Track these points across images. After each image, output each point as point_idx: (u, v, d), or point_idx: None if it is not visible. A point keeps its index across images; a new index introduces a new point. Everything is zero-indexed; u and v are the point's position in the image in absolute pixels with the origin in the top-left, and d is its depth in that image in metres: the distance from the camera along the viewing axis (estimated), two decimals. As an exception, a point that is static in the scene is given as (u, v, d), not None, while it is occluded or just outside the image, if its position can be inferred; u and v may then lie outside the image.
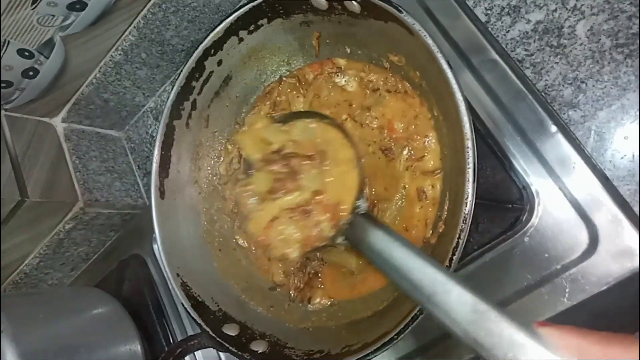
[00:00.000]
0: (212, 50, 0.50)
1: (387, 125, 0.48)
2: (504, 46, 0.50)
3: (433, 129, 0.46)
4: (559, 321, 0.43)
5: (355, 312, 0.47)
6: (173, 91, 0.50)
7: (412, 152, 0.47)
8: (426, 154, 0.46)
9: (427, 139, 0.46)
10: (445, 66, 0.37)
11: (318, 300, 0.49)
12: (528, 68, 0.49)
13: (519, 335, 0.25)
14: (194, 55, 0.49)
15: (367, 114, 0.49)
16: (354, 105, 0.51)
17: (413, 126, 0.47)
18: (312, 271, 0.50)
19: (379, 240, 0.36)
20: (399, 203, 0.46)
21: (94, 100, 0.69)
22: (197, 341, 0.45)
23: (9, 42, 0.54)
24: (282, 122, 0.44)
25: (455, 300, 0.28)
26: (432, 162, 0.46)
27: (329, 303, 0.49)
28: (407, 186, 0.46)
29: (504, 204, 0.47)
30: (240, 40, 0.51)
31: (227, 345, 0.44)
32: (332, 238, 0.40)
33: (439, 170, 0.45)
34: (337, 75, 0.52)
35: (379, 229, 0.36)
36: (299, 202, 0.40)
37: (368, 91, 0.50)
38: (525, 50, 0.49)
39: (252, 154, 0.43)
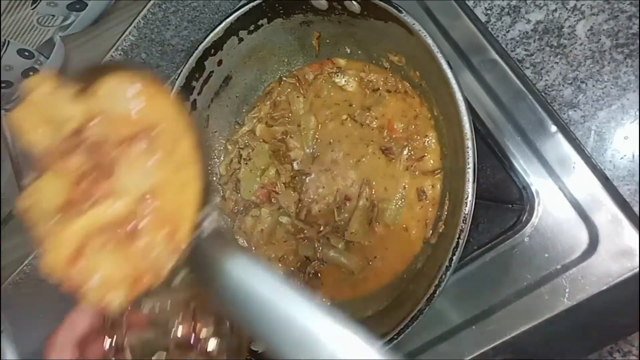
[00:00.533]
0: (212, 50, 0.50)
1: (387, 125, 0.48)
2: (504, 46, 0.50)
3: (433, 128, 0.46)
4: (560, 320, 0.43)
5: (355, 312, 0.47)
6: (173, 91, 0.50)
7: (412, 152, 0.47)
8: (426, 154, 0.46)
9: (427, 139, 0.46)
10: (445, 66, 0.37)
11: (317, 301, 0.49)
12: (528, 68, 0.49)
13: None
14: (194, 55, 0.49)
15: (367, 113, 0.49)
16: (354, 105, 0.51)
17: (413, 126, 0.47)
18: (312, 272, 0.50)
19: (241, 267, 0.25)
20: (398, 203, 0.47)
21: (94, 100, 0.69)
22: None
23: (9, 42, 0.54)
24: (81, 84, 0.28)
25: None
26: (432, 162, 0.46)
27: (328, 304, 0.49)
28: (406, 186, 0.47)
29: (504, 204, 0.47)
30: (240, 40, 0.51)
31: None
32: (171, 272, 0.25)
33: (439, 170, 0.45)
34: (337, 75, 0.52)
35: (239, 251, 0.25)
36: (117, 215, 0.25)
37: (368, 91, 0.50)
38: (525, 50, 0.49)
39: (34, 141, 0.29)
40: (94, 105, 0.27)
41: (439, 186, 0.45)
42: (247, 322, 0.24)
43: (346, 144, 0.50)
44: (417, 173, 0.46)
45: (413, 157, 0.47)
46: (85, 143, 0.27)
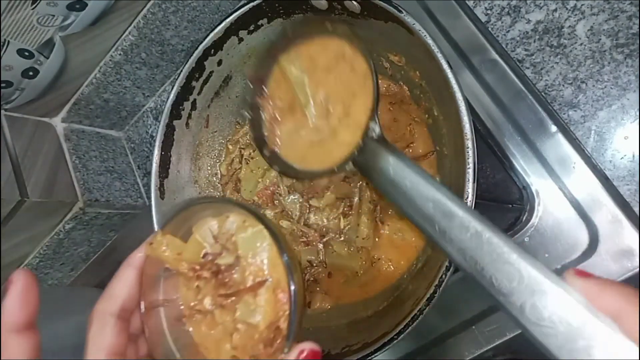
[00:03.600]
0: (212, 50, 0.50)
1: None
2: (504, 46, 0.50)
3: (425, 126, 0.47)
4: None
5: (355, 312, 0.47)
6: (173, 91, 0.50)
7: (399, 142, 0.47)
8: (413, 142, 0.47)
9: (411, 127, 0.47)
10: (445, 66, 0.37)
11: (317, 304, 0.49)
12: (528, 68, 0.49)
13: (545, 282, 0.22)
14: (194, 55, 0.49)
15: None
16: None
17: (408, 130, 0.48)
18: (312, 279, 0.50)
19: (392, 166, 0.31)
20: None
21: (94, 100, 0.69)
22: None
23: (8, 42, 0.54)
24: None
25: (471, 235, 0.25)
26: (420, 150, 0.46)
27: (329, 306, 0.49)
28: None
29: (504, 204, 0.47)
30: (240, 40, 0.51)
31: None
32: (340, 166, 0.34)
33: (431, 152, 0.46)
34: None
35: (392, 154, 0.31)
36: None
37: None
38: (526, 50, 0.49)
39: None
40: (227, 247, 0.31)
41: (435, 167, 0.46)
42: (395, 202, 0.31)
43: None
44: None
45: (399, 146, 0.47)
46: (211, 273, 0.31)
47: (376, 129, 0.33)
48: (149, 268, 0.30)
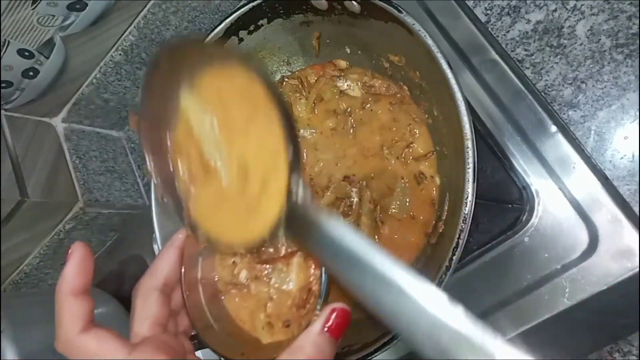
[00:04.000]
0: (212, 51, 0.50)
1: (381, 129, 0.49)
2: (504, 46, 0.50)
3: (425, 125, 0.47)
4: (560, 320, 0.43)
5: (355, 312, 0.47)
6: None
7: (399, 142, 0.48)
8: (413, 143, 0.47)
9: (410, 127, 0.47)
10: (445, 66, 0.37)
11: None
12: (528, 68, 0.49)
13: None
14: (194, 55, 0.49)
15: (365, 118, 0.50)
16: (355, 110, 0.51)
17: (407, 130, 0.48)
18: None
19: (322, 231, 0.26)
20: (401, 194, 0.47)
21: (94, 100, 0.69)
22: (196, 342, 0.45)
23: (9, 42, 0.54)
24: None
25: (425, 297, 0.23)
26: (421, 150, 0.47)
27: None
28: (404, 176, 0.47)
29: (504, 204, 0.48)
30: (240, 40, 0.51)
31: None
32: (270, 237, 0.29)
33: (431, 152, 0.46)
34: (339, 79, 0.52)
35: (327, 214, 0.27)
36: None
37: (370, 97, 0.50)
38: (525, 50, 0.49)
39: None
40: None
41: (435, 166, 0.46)
42: (338, 272, 0.27)
43: (341, 148, 0.50)
44: (410, 160, 0.47)
45: (400, 146, 0.47)
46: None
47: (299, 193, 0.27)
48: (189, 248, 0.33)
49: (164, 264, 0.32)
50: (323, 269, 0.29)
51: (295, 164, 0.27)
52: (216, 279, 0.34)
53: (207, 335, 0.32)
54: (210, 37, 0.49)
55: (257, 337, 0.31)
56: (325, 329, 0.27)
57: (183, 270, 0.32)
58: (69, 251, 0.28)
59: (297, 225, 0.27)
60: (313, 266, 0.29)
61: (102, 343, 0.27)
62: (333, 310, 0.27)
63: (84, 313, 0.28)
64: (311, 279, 0.29)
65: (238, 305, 0.32)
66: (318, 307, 0.28)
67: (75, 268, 0.28)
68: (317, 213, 0.27)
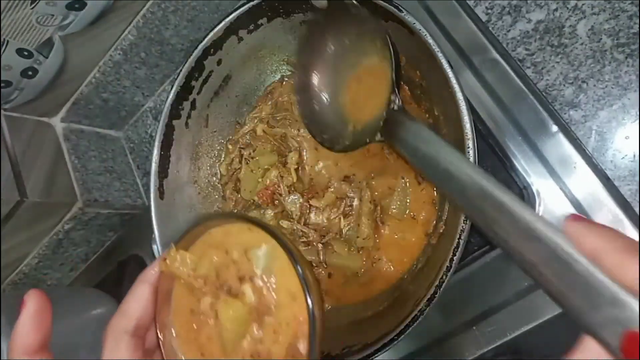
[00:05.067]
0: (212, 50, 0.50)
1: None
2: (504, 46, 0.50)
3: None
4: (561, 321, 0.43)
5: (355, 312, 0.46)
6: (172, 91, 0.50)
7: None
8: None
9: None
10: (446, 66, 0.36)
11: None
12: (529, 68, 0.49)
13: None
14: (194, 54, 0.49)
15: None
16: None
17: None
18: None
19: (413, 132, 0.33)
20: (401, 194, 0.46)
21: (93, 100, 0.69)
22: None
23: (8, 41, 0.53)
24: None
25: (475, 193, 0.27)
26: None
27: (329, 307, 0.49)
28: (404, 176, 0.47)
29: (504, 204, 0.47)
30: (240, 39, 0.50)
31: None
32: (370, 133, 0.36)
33: None
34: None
35: (413, 122, 0.33)
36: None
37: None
38: (526, 49, 0.49)
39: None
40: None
41: None
42: (416, 162, 0.32)
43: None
44: None
45: None
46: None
47: (397, 102, 0.35)
48: (164, 283, 0.30)
49: (136, 304, 0.29)
50: (311, 328, 0.26)
51: (394, 86, 0.35)
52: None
53: None
54: (209, 36, 0.49)
55: None
56: None
57: (157, 308, 0.29)
58: (23, 301, 0.25)
59: (391, 126, 0.35)
60: (300, 319, 0.26)
61: None
62: None
63: None
64: (298, 336, 0.26)
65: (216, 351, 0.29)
66: None
67: (30, 322, 0.25)
68: (404, 116, 0.34)
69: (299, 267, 0.26)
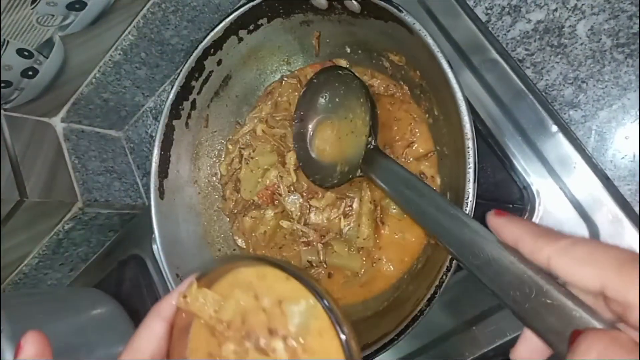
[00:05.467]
0: (212, 50, 0.50)
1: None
2: (504, 46, 0.50)
3: (425, 125, 0.46)
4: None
5: (355, 312, 0.46)
6: (172, 91, 0.50)
7: (400, 141, 0.48)
8: (414, 141, 0.47)
9: (411, 126, 0.47)
10: (445, 66, 0.36)
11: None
12: (529, 68, 0.49)
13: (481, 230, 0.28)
14: (194, 54, 0.49)
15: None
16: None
17: (409, 130, 0.48)
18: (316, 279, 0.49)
19: (384, 166, 0.40)
20: None
21: (94, 100, 0.69)
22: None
23: (8, 41, 0.53)
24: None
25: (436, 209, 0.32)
26: (421, 150, 0.47)
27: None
28: None
29: (504, 204, 0.47)
30: (240, 39, 0.50)
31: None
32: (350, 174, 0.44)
33: (432, 152, 0.46)
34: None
35: (385, 158, 0.41)
36: None
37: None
38: (526, 49, 0.49)
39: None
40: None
41: (436, 166, 0.46)
42: (391, 191, 0.39)
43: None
44: (410, 160, 0.47)
45: (400, 145, 0.47)
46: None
47: (372, 142, 0.43)
48: (181, 318, 0.27)
49: (148, 341, 0.26)
50: None
51: (371, 130, 0.43)
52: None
53: None
54: (210, 36, 0.49)
55: None
56: None
57: (171, 346, 0.27)
58: (19, 345, 0.23)
59: (368, 162, 0.42)
60: None
61: None
62: None
63: None
64: None
65: None
66: None
67: None
68: (378, 153, 0.41)
69: (342, 334, 0.23)
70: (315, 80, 0.49)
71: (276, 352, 0.25)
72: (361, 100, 0.45)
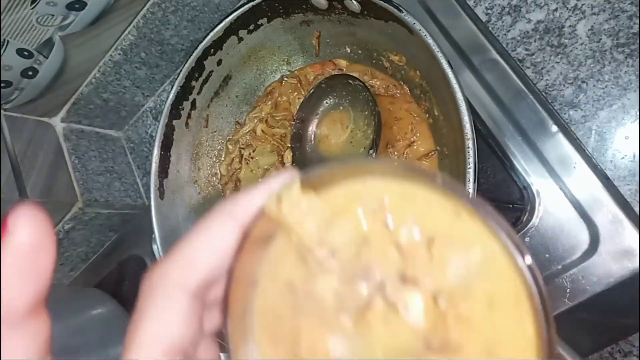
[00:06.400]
0: (212, 50, 0.50)
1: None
2: (504, 46, 0.49)
3: (426, 125, 0.46)
4: (561, 321, 0.43)
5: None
6: (172, 91, 0.50)
7: (401, 141, 0.48)
8: (415, 139, 0.47)
9: (412, 126, 0.47)
10: (445, 66, 0.36)
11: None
12: (529, 68, 0.49)
13: None
14: (194, 54, 0.49)
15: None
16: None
17: (410, 129, 0.48)
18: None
19: None
20: None
21: (93, 100, 0.69)
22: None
23: (8, 41, 0.53)
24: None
25: None
26: (422, 149, 0.47)
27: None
28: None
29: (504, 204, 0.47)
30: (240, 39, 0.50)
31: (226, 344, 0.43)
32: None
33: (432, 152, 0.46)
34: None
35: None
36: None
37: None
38: (526, 49, 0.49)
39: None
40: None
41: (436, 165, 0.46)
42: None
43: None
44: (411, 159, 0.47)
45: (401, 144, 0.48)
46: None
47: (373, 155, 0.43)
48: (258, 226, 0.17)
49: (213, 251, 0.17)
50: None
51: (373, 143, 0.42)
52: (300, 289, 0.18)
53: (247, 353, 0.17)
54: (210, 36, 0.49)
55: None
56: None
57: (238, 263, 0.17)
58: (4, 223, 0.14)
59: None
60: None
61: None
62: None
63: (33, 345, 0.15)
64: None
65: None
66: None
67: (19, 264, 0.14)
68: None
69: (543, 322, 0.15)
70: (323, 85, 0.49)
71: (408, 308, 0.16)
72: (365, 113, 0.45)
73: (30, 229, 0.14)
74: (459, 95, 0.36)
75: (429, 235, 0.17)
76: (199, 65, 0.50)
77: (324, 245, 0.17)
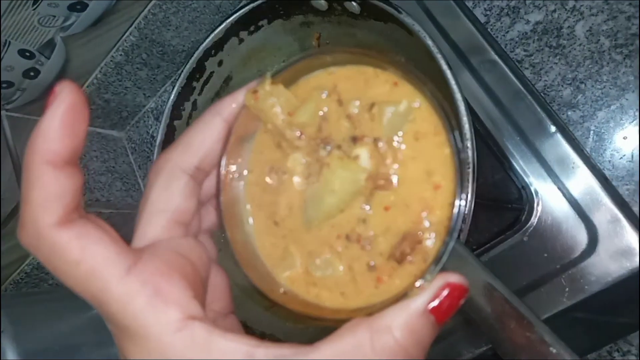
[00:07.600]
0: (213, 51, 0.50)
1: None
2: (503, 47, 0.50)
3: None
4: (559, 320, 0.43)
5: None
6: (174, 91, 0.50)
7: None
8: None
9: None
10: (444, 66, 0.37)
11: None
12: (527, 68, 0.49)
13: None
14: (195, 55, 0.49)
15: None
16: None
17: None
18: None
19: None
20: None
21: (95, 101, 0.69)
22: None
23: (10, 42, 0.54)
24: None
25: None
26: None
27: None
28: None
29: (503, 204, 0.48)
30: (241, 40, 0.51)
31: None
32: None
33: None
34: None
35: None
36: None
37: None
38: (525, 50, 0.49)
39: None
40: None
41: None
42: None
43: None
44: None
45: None
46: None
47: None
48: (241, 125, 0.23)
49: (204, 138, 0.22)
50: (454, 222, 0.20)
51: None
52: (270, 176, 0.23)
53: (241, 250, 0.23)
54: (210, 37, 0.49)
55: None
56: (429, 309, 0.19)
57: (227, 152, 0.22)
58: (52, 91, 0.18)
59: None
60: (425, 212, 0.20)
61: (87, 246, 0.18)
62: (446, 286, 0.19)
63: (67, 195, 0.18)
64: (422, 224, 0.20)
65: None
66: (428, 276, 0.19)
67: (61, 120, 0.17)
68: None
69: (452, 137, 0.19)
70: None
71: (359, 159, 0.21)
72: None
73: (71, 95, 0.17)
74: (458, 96, 0.36)
75: (370, 102, 0.22)
76: (199, 66, 0.50)
77: (293, 127, 0.22)
